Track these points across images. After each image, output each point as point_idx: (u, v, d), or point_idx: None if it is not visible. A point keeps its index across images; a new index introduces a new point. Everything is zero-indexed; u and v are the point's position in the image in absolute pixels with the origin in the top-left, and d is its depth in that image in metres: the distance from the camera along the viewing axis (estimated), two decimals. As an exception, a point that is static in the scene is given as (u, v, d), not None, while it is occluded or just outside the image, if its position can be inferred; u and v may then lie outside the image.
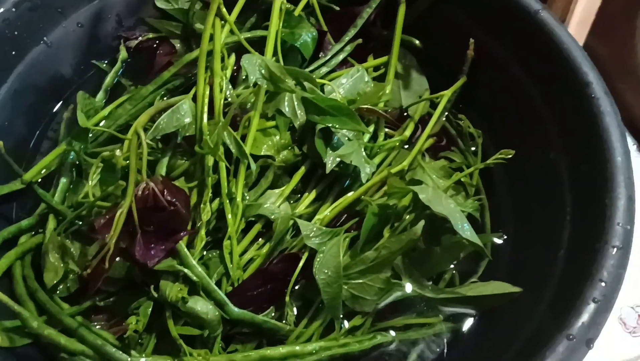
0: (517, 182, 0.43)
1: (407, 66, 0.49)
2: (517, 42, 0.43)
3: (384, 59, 0.48)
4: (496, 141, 0.45)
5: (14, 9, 0.41)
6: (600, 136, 0.36)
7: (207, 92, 0.41)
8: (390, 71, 0.47)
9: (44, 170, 0.41)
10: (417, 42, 0.48)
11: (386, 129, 0.45)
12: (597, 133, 0.37)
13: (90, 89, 0.46)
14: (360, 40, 0.48)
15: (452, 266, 0.41)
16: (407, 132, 0.45)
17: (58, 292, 0.37)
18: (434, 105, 0.47)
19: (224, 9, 0.42)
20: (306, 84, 0.42)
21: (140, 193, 0.35)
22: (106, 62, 0.48)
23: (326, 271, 0.37)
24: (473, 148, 0.46)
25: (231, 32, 0.42)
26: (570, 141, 0.39)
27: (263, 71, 0.40)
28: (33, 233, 0.39)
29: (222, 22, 0.42)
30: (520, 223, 0.42)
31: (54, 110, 0.45)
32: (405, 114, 0.47)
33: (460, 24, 0.46)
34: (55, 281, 0.36)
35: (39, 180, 0.41)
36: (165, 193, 0.36)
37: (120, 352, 0.34)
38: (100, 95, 0.46)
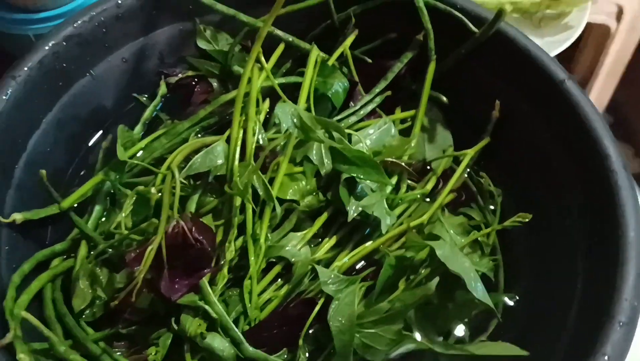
0: (533, 243, 0.44)
1: (433, 120, 0.50)
2: (542, 107, 0.45)
3: (411, 112, 0.49)
4: (515, 200, 0.46)
5: (64, 43, 0.43)
6: (615, 210, 0.37)
7: (241, 135, 0.43)
8: (417, 125, 0.49)
9: (80, 197, 0.43)
10: (444, 98, 0.49)
11: (409, 181, 0.47)
12: (613, 206, 0.38)
13: (130, 122, 0.48)
14: (389, 93, 0.50)
15: (464, 322, 0.42)
16: (429, 186, 0.47)
17: (84, 317, 0.39)
18: (456, 160, 0.48)
19: (262, 57, 0.44)
20: (335, 133, 0.44)
21: (170, 230, 0.36)
22: (146, 96, 0.50)
23: (340, 318, 0.38)
24: (492, 207, 0.47)
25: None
26: (587, 210, 0.40)
27: (295, 120, 0.42)
28: (65, 257, 0.41)
29: (260, 67, 0.45)
30: (533, 284, 0.43)
31: (94, 139, 0.47)
32: (428, 167, 0.49)
33: (487, 84, 0.48)
34: (82, 307, 0.38)
35: (75, 206, 0.43)
36: (193, 231, 0.38)
37: (139, 381, 0.35)
38: (138, 127, 0.48)
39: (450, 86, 0.50)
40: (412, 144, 0.48)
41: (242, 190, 0.40)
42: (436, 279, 0.38)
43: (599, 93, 1.46)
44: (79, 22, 0.44)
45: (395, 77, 0.50)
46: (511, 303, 0.43)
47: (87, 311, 0.39)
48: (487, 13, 0.47)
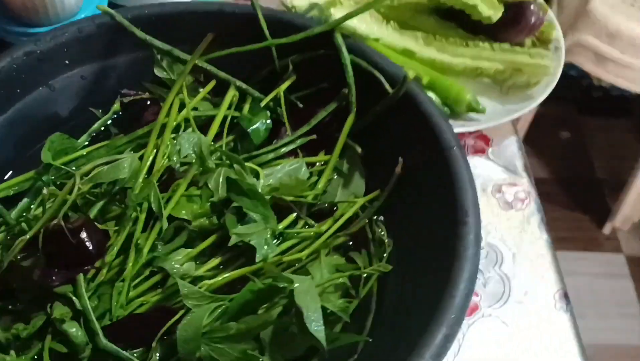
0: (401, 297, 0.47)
1: (351, 168, 0.54)
2: (431, 170, 0.47)
3: (325, 157, 0.53)
4: (401, 254, 0.49)
5: (24, 57, 0.51)
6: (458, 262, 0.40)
7: (152, 156, 0.49)
8: (327, 169, 0.52)
9: (10, 189, 0.50)
10: (359, 149, 0.53)
11: (312, 222, 0.50)
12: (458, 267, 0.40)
13: (81, 132, 0.55)
14: (314, 136, 0.54)
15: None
16: (324, 227, 0.50)
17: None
18: (364, 208, 0.52)
19: (184, 91, 0.50)
20: (235, 166, 0.48)
21: (50, 226, 0.42)
22: (101, 110, 0.56)
23: (187, 329, 0.42)
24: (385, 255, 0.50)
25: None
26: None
27: (195, 148, 0.47)
28: (-13, 238, 0.48)
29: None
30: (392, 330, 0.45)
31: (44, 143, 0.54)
32: (335, 209, 0.52)
33: (397, 141, 0.51)
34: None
35: (9, 196, 0.50)
36: (76, 231, 0.43)
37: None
38: (83, 137, 0.54)
39: (369, 138, 0.53)
40: (319, 186, 0.52)
41: (135, 202, 0.45)
42: (279, 309, 0.42)
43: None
44: (41, 41, 0.51)
45: (321, 124, 0.54)
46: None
47: (-15, 286, 0.45)
48: (401, 73, 0.50)
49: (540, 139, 1.42)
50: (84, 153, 0.53)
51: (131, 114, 0.57)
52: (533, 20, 0.66)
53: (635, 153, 1.51)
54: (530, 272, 0.56)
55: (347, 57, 0.52)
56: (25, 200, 0.50)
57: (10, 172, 0.52)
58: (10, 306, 0.44)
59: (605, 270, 1.52)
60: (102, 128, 0.56)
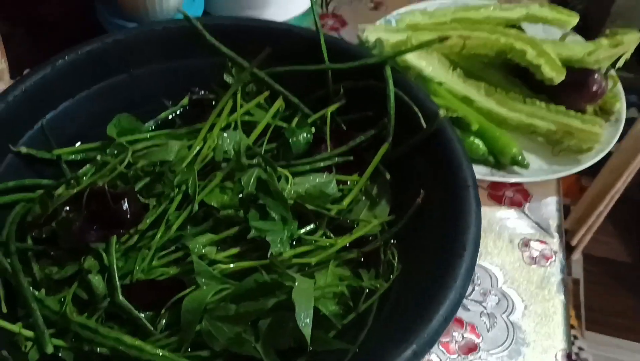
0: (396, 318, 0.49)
1: (379, 191, 0.57)
2: (447, 206, 0.50)
3: (355, 177, 0.57)
4: (403, 277, 0.51)
5: (113, 45, 0.58)
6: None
7: (199, 146, 0.54)
8: (355, 189, 0.56)
9: (80, 155, 0.57)
10: (388, 175, 0.56)
11: (331, 234, 0.54)
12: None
13: (150, 118, 0.61)
14: (350, 158, 0.58)
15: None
16: (340, 241, 0.53)
17: (34, 234, 0.51)
18: (383, 230, 0.55)
19: (239, 96, 0.56)
20: (268, 169, 0.53)
21: (95, 188, 0.49)
22: (171, 102, 0.63)
23: (192, 301, 0.47)
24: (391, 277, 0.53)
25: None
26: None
27: (234, 146, 0.52)
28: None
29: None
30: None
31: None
32: (356, 225, 0.55)
33: (422, 174, 0.54)
34: (29, 221, 0.51)
35: (77, 161, 0.57)
36: (118, 197, 0.49)
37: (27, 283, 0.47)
38: (149, 122, 0.61)
39: (402, 168, 0.56)
40: (345, 203, 0.55)
41: (173, 183, 0.51)
42: (273, 300, 0.46)
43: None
44: (129, 33, 0.59)
45: (359, 148, 0.58)
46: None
47: (37, 231, 0.52)
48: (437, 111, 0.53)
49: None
50: (147, 136, 0.59)
51: (196, 111, 0.63)
52: (594, 88, 0.67)
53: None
54: (539, 327, 0.57)
55: (392, 89, 0.56)
56: (87, 165, 0.57)
57: (79, 142, 0.59)
58: (51, 252, 0.51)
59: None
60: (170, 117, 0.62)
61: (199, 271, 0.48)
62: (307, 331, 0.45)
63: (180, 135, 0.59)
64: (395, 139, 0.56)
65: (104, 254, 0.48)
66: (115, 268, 0.48)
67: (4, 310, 0.48)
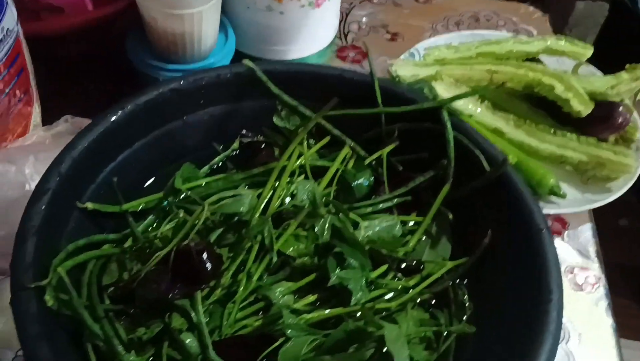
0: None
1: (440, 231, 0.58)
2: (517, 248, 0.52)
3: (419, 218, 0.58)
4: (480, 319, 0.53)
5: (169, 93, 0.58)
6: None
7: (269, 196, 0.55)
8: (419, 231, 0.57)
9: (142, 205, 0.56)
10: (450, 215, 0.58)
11: (399, 274, 0.55)
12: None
13: (202, 162, 0.61)
14: (409, 198, 0.59)
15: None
16: (411, 282, 0.55)
17: (109, 292, 0.51)
18: (449, 270, 0.56)
19: (305, 143, 0.56)
20: (341, 215, 0.54)
21: (181, 247, 0.48)
22: (222, 146, 0.63)
23: (288, 355, 0.47)
24: (465, 316, 0.54)
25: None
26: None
27: (309, 195, 0.53)
28: (115, 245, 0.54)
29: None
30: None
31: (171, 168, 0.60)
32: (421, 267, 0.57)
33: (486, 214, 0.56)
34: (108, 283, 0.50)
35: (137, 211, 0.56)
36: (200, 253, 0.49)
37: (122, 348, 0.46)
38: (205, 168, 0.61)
39: (460, 207, 0.58)
40: (410, 244, 0.56)
41: (251, 235, 0.51)
42: (371, 351, 0.46)
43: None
44: (184, 81, 0.58)
45: (416, 188, 0.59)
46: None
47: (112, 288, 0.51)
48: (501, 156, 0.55)
49: (599, 226, 1.44)
50: (203, 184, 0.59)
51: (247, 154, 0.63)
52: (620, 120, 0.71)
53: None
54: (594, 353, 0.59)
55: (451, 133, 0.57)
56: (150, 217, 0.56)
57: (141, 190, 0.58)
58: (131, 310, 0.50)
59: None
60: (221, 163, 0.62)
61: (289, 323, 0.49)
62: (407, 379, 0.46)
63: (236, 181, 0.59)
64: (455, 181, 0.58)
65: (191, 312, 0.48)
66: (205, 325, 0.48)
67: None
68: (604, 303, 0.63)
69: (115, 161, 0.56)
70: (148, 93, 0.57)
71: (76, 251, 0.51)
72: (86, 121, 0.58)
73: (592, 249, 0.67)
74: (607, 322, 0.62)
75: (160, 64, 0.69)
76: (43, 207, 0.49)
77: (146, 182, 0.59)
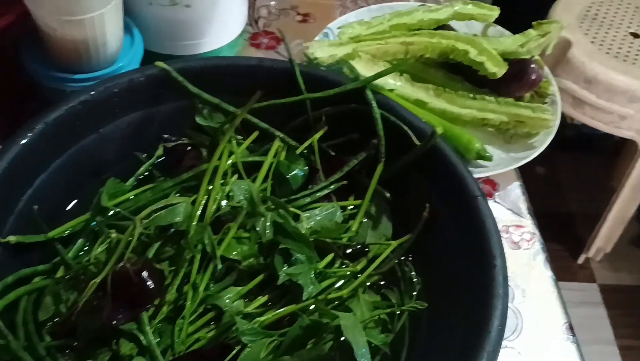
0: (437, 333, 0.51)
1: (379, 211, 0.58)
2: (456, 216, 0.52)
3: (358, 201, 0.58)
4: (431, 292, 0.53)
5: (80, 106, 0.54)
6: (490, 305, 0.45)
7: (204, 201, 0.53)
8: (360, 213, 0.57)
9: (69, 230, 0.53)
10: (387, 194, 0.58)
11: (347, 261, 0.55)
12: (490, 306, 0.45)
13: (127, 175, 0.58)
14: (345, 182, 0.58)
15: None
16: (359, 267, 0.54)
17: (46, 328, 0.48)
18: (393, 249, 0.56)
19: (234, 142, 0.54)
20: (281, 211, 0.52)
21: (117, 268, 0.46)
22: (145, 155, 0.60)
23: (247, 362, 0.46)
24: (414, 293, 0.54)
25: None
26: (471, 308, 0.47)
27: (246, 195, 0.51)
28: (45, 277, 0.51)
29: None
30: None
31: (93, 186, 0.57)
32: (366, 250, 0.57)
33: (422, 188, 0.56)
34: (44, 318, 0.47)
35: (64, 237, 0.53)
36: (139, 272, 0.47)
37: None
38: (131, 180, 0.58)
39: (396, 184, 0.58)
40: (353, 228, 0.56)
41: (191, 245, 0.49)
42: (329, 344, 0.46)
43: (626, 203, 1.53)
44: (94, 91, 0.55)
45: (351, 171, 0.59)
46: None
47: (49, 324, 0.48)
48: (429, 129, 0.55)
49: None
50: (131, 197, 0.56)
51: (172, 159, 0.61)
52: (534, 77, 0.72)
53: (606, 188, 1.60)
54: (539, 307, 0.61)
55: (377, 111, 0.57)
56: (80, 241, 0.53)
57: (62, 214, 0.55)
58: (74, 344, 0.47)
59: (580, 298, 1.60)
60: (147, 172, 0.59)
61: (243, 329, 0.47)
62: (368, 363, 0.46)
63: (165, 189, 0.56)
64: (388, 159, 0.57)
65: (140, 335, 0.46)
66: (156, 346, 0.46)
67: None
68: (541, 257, 0.65)
69: (32, 186, 0.52)
70: (57, 109, 0.53)
71: (5, 290, 0.48)
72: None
73: (523, 206, 0.69)
74: (546, 274, 0.64)
75: (65, 75, 0.64)
76: (-40, 250, 0.45)
77: (69, 204, 0.56)
